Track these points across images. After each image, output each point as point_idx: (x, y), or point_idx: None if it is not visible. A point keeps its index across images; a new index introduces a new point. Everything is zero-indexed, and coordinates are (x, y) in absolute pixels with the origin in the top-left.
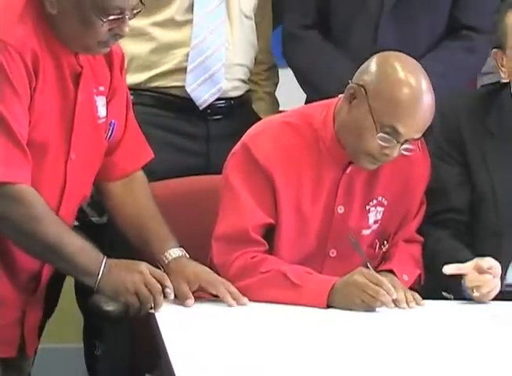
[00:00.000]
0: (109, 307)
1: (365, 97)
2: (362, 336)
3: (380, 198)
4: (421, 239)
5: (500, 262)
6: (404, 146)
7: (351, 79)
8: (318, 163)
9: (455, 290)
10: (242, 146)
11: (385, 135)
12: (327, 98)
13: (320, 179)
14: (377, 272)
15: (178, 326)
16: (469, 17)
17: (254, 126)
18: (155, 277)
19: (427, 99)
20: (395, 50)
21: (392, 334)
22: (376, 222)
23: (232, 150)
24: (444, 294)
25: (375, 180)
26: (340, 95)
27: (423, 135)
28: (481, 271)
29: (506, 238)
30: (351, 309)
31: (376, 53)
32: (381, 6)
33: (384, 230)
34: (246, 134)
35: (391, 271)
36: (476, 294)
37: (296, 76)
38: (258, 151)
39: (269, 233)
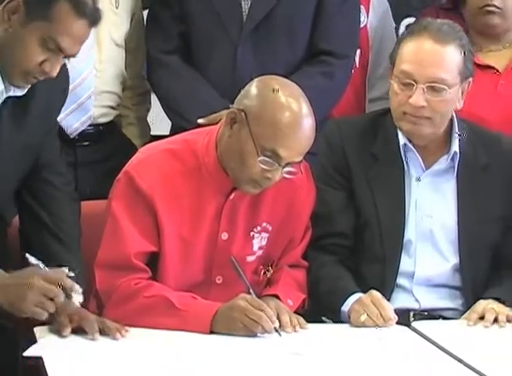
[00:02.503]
0: None
1: (246, 121)
2: (245, 361)
3: (264, 224)
4: (306, 264)
5: (384, 287)
6: (286, 169)
7: (213, 104)
8: (201, 190)
9: (334, 315)
10: (124, 174)
11: (266, 159)
12: (191, 124)
13: (203, 206)
14: (262, 296)
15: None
16: (327, 42)
17: (137, 154)
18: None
19: (308, 122)
20: (255, 74)
21: (276, 358)
22: (260, 248)
23: (116, 178)
24: (323, 318)
25: (259, 206)
26: (199, 120)
27: (305, 158)
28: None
29: (390, 263)
30: (232, 334)
31: (235, 77)
32: (240, 30)
33: (269, 256)
34: (129, 162)
35: (276, 295)
36: (362, 317)
37: (160, 102)
38: (140, 179)
39: (155, 261)
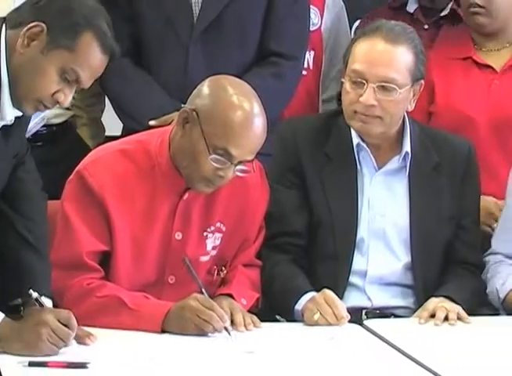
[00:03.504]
0: None
1: (198, 121)
2: (198, 359)
3: (218, 224)
4: (259, 263)
5: (337, 286)
6: (238, 167)
7: (164, 106)
8: (154, 190)
9: (287, 314)
10: (76, 173)
11: (218, 157)
12: (143, 126)
13: (156, 206)
14: (216, 295)
15: None
16: (277, 44)
17: (90, 154)
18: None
19: (259, 121)
20: (205, 75)
21: (229, 357)
22: (214, 248)
23: (68, 178)
24: (277, 317)
25: (213, 206)
26: (151, 122)
27: (259, 159)
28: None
29: (342, 262)
30: (184, 334)
31: (186, 79)
32: (191, 31)
33: (223, 256)
34: (81, 162)
35: (229, 295)
36: (315, 316)
37: (111, 104)
38: (92, 179)
39: (108, 261)
